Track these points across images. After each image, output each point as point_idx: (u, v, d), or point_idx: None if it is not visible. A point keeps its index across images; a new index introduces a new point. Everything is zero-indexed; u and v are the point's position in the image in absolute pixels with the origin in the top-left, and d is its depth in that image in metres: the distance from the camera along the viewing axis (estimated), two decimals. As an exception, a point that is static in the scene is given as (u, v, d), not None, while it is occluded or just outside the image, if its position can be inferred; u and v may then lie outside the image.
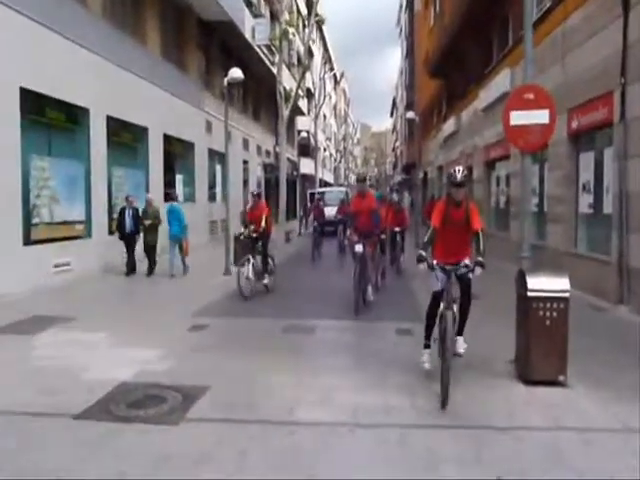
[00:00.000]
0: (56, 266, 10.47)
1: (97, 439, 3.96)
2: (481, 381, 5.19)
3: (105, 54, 12.26)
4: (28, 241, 9.83)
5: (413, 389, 4.98)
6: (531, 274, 5.14)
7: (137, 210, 11.99)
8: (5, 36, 9.04)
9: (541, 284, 4.99)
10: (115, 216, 12.50)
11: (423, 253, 4.88)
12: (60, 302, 8.93)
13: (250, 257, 9.78)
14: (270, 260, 10.51)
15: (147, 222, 11.82)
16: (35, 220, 10.17)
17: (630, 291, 8.37)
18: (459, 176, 5.05)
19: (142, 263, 12.26)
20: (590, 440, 3.91)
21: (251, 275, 9.76)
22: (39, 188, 10.31)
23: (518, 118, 6.01)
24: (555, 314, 4.92)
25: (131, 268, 11.93)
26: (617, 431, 4.08)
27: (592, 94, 9.70)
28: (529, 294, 4.97)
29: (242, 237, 9.87)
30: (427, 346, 5.40)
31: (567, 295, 4.95)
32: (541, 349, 4.90)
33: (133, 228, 11.80)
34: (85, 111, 11.65)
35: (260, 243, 10.10)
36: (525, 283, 5.04)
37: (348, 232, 9.05)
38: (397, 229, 13.09)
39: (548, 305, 4.92)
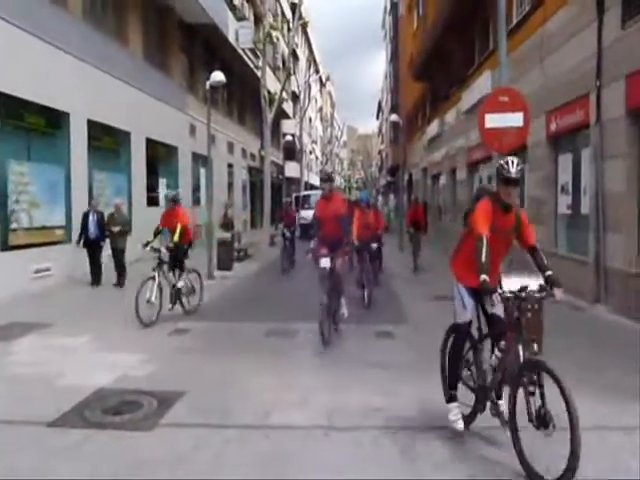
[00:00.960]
0: (36, 272, 10.37)
1: (70, 446, 3.94)
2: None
3: (86, 57, 12.18)
4: (6, 247, 9.74)
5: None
6: (506, 275, 5.19)
7: (102, 215, 11.11)
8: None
9: (515, 284, 5.03)
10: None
11: (487, 278, 3.68)
12: (40, 308, 8.85)
13: (155, 275, 7.82)
14: (189, 278, 8.72)
15: (115, 228, 11.01)
16: (13, 225, 10.07)
17: (607, 291, 8.49)
18: (513, 170, 3.70)
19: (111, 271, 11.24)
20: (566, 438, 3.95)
21: (154, 299, 7.68)
22: (18, 193, 10.21)
23: (493, 121, 6.10)
24: (529, 314, 4.96)
25: (96, 278, 11.10)
26: (592, 429, 4.13)
27: (569, 97, 9.84)
28: (504, 294, 5.00)
29: (149, 249, 8.03)
30: (454, 398, 4.15)
31: (541, 295, 4.98)
32: (515, 349, 4.94)
33: (97, 234, 10.91)
34: (65, 115, 11.57)
35: (178, 257, 8.40)
36: (500, 283, 5.07)
37: (312, 243, 7.29)
38: (374, 244, 9.95)
39: (522, 305, 4.95)
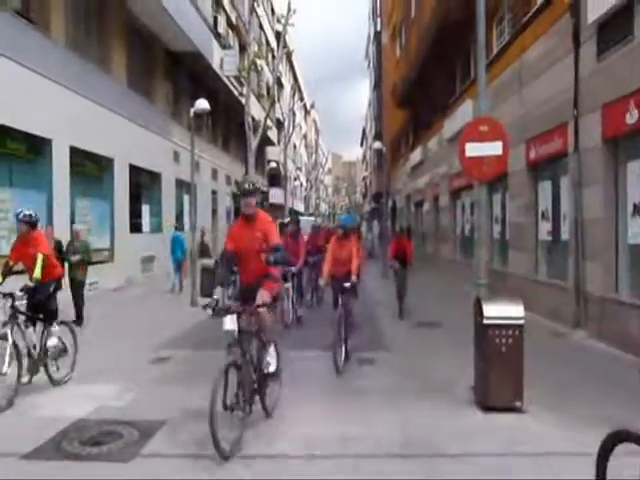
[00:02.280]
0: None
1: (44, 478, 3.83)
2: (440, 407, 5.23)
3: (69, 84, 12.21)
4: (-15, 274, 9.54)
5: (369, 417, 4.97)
6: (487, 302, 5.24)
7: (60, 243, 9.95)
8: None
9: (496, 311, 5.08)
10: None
11: None
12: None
13: (8, 332, 5.49)
14: (57, 333, 6.31)
15: (74, 258, 9.60)
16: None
17: (587, 316, 8.57)
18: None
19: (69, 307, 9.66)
20: (544, 464, 3.96)
21: (5, 368, 5.34)
22: (-2, 219, 10.09)
23: (473, 150, 6.19)
24: (510, 341, 5.00)
25: None
26: (572, 455, 4.13)
27: (548, 125, 10.08)
28: (485, 321, 5.05)
29: None
30: None
31: (521, 322, 5.04)
32: (497, 375, 4.96)
33: None
34: (47, 142, 11.53)
35: (42, 302, 6.11)
36: (481, 310, 5.13)
37: (216, 292, 4.98)
38: (346, 284, 7.05)
39: (503, 332, 5.01)
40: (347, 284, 6.96)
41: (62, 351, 6.39)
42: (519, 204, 11.76)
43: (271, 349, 5.13)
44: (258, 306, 4.74)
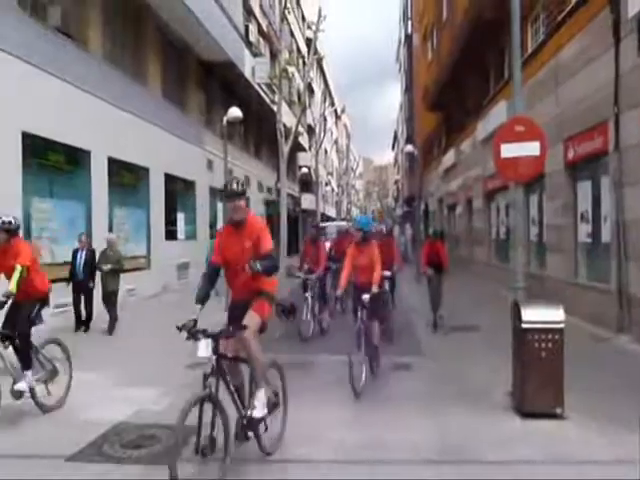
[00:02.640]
0: (56, 307, 10.47)
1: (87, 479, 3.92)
2: (477, 413, 5.14)
3: (106, 96, 12.55)
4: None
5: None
6: (525, 305, 5.13)
7: (93, 253, 9.98)
8: (6, 82, 9.30)
9: (535, 315, 4.97)
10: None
11: None
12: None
13: None
14: (45, 353, 5.69)
15: (106, 267, 9.70)
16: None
17: (630, 320, 8.29)
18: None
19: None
20: (587, 474, 3.84)
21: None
22: (40, 229, 10.42)
23: (509, 151, 6.08)
24: (550, 345, 4.88)
25: (82, 322, 9.86)
26: (615, 464, 4.00)
27: (587, 124, 9.84)
28: (523, 326, 4.94)
29: None
30: None
31: (562, 326, 4.92)
32: (537, 381, 4.85)
33: (85, 275, 9.70)
34: (86, 153, 11.86)
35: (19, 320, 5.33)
36: (519, 314, 5.02)
37: (196, 309, 4.11)
38: (365, 295, 6.13)
39: (543, 336, 4.89)
40: (366, 296, 5.98)
41: (52, 373, 5.72)
42: (557, 205, 11.49)
43: (259, 393, 4.18)
44: (240, 328, 3.91)
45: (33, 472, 4.08)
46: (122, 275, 10.63)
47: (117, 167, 13.29)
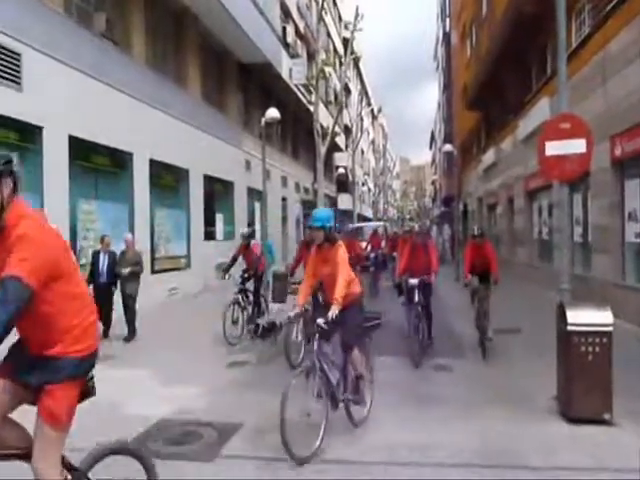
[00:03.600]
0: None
1: (128, 476, 3.99)
2: (520, 417, 5.01)
3: (148, 99, 12.84)
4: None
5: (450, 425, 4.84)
6: (571, 307, 4.97)
7: (114, 255, 9.42)
8: (55, 87, 9.62)
9: (582, 318, 4.81)
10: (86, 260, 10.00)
11: None
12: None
13: None
14: None
15: (125, 270, 9.19)
16: (82, 261, 10.55)
17: (683, 323, 7.95)
18: None
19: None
20: (638, 483, 3.69)
21: None
22: (86, 230, 10.74)
23: (553, 149, 5.92)
24: (597, 349, 4.72)
25: (104, 329, 9.16)
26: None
27: (636, 120, 9.48)
28: (569, 328, 4.79)
29: None
30: None
31: (610, 329, 4.74)
32: (583, 385, 4.69)
33: (109, 278, 9.23)
34: (129, 155, 12.17)
35: None
36: (565, 317, 4.88)
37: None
38: (320, 319, 4.48)
39: (590, 340, 4.73)
40: (320, 320, 4.39)
41: None
42: (603, 204, 11.12)
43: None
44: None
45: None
46: (164, 275, 10.81)
47: (158, 168, 13.58)
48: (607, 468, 3.93)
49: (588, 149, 5.81)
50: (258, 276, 9.79)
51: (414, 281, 7.52)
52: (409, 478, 3.89)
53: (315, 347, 4.50)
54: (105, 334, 9.17)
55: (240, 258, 9.93)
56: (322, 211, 5.08)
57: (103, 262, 9.30)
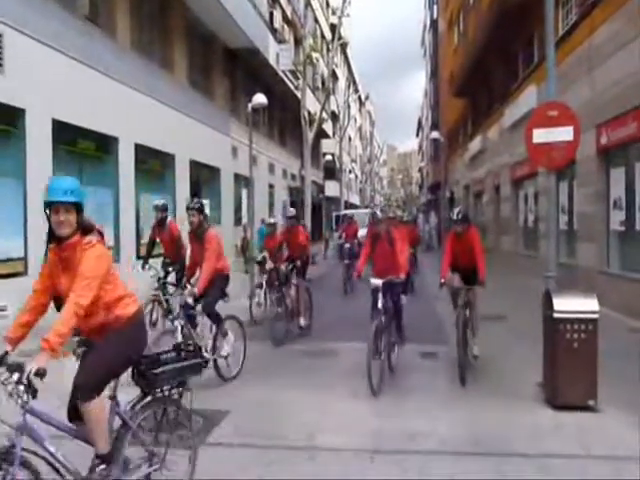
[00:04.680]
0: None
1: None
2: (506, 404, 5.06)
3: (133, 84, 12.62)
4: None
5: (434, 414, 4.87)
6: (557, 294, 5.01)
7: None
8: (38, 70, 9.40)
9: (568, 305, 4.85)
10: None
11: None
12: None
13: None
14: None
15: None
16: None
17: (666, 311, 8.07)
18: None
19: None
20: (620, 468, 3.74)
21: None
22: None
23: (541, 136, 5.93)
24: (583, 336, 4.77)
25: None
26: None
27: (621, 109, 9.54)
28: (555, 315, 4.83)
29: None
30: None
31: (596, 316, 4.79)
32: (569, 372, 4.74)
33: None
34: (114, 140, 11.98)
35: None
36: (551, 304, 4.91)
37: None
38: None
39: (576, 327, 4.78)
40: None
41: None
42: (588, 192, 11.21)
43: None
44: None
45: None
46: (150, 260, 10.65)
47: (144, 153, 13.38)
48: (593, 455, 3.98)
49: (575, 137, 5.83)
50: (181, 265, 7.83)
51: (376, 282, 5.75)
52: (393, 468, 3.90)
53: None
54: None
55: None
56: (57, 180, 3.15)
57: None
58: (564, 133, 5.80)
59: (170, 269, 7.99)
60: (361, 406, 5.15)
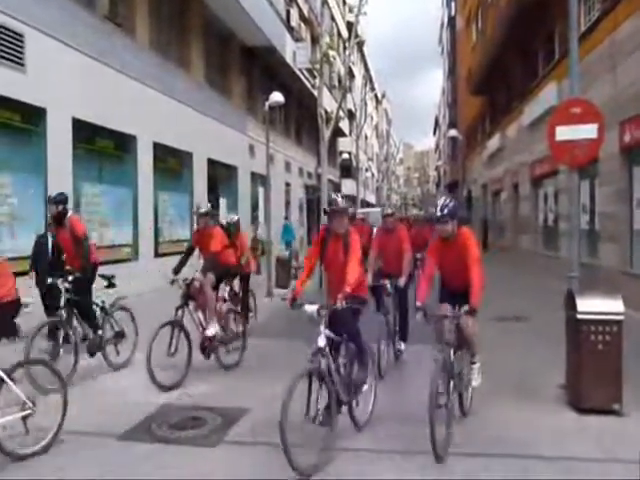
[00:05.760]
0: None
1: (135, 460, 3.99)
2: (528, 406, 4.97)
3: (152, 83, 12.71)
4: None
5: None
6: (581, 295, 4.91)
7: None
8: (59, 69, 9.51)
9: (592, 306, 4.75)
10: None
11: None
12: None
13: None
14: None
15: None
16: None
17: (691, 312, 7.89)
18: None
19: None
20: (648, 474, 3.65)
21: None
22: (89, 213, 10.69)
23: (564, 133, 5.82)
24: (608, 338, 4.66)
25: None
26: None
27: (646, 106, 9.35)
28: (579, 317, 4.73)
29: None
30: None
31: (621, 318, 4.68)
32: (593, 375, 4.64)
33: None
34: (133, 138, 12.07)
35: None
36: (574, 305, 4.81)
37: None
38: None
39: (600, 328, 4.68)
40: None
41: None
42: (610, 191, 11.01)
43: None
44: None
45: (90, 448, 4.18)
46: (169, 258, 10.76)
47: (162, 152, 13.49)
48: (617, 459, 3.89)
49: (599, 134, 5.71)
50: (83, 278, 5.88)
51: (310, 308, 4.21)
52: (415, 465, 3.85)
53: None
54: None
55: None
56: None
57: (51, 249, 7.07)
58: (588, 130, 5.69)
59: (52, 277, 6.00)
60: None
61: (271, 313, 10.00)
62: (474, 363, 4.82)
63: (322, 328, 4.08)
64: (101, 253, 10.90)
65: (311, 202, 30.65)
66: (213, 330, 6.25)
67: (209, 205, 7.73)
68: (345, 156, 38.70)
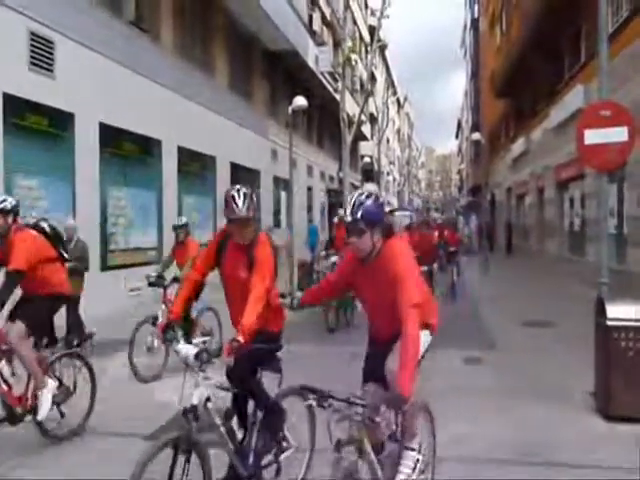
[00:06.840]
0: (131, 290, 10.91)
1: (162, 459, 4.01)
2: (555, 412, 4.89)
3: (175, 87, 12.86)
4: (105, 267, 10.33)
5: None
6: (611, 302, 4.81)
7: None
8: (86, 75, 9.69)
9: (622, 312, 4.66)
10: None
11: None
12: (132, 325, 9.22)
13: None
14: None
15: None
16: (112, 247, 10.68)
17: None
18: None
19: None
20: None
21: None
22: (115, 217, 10.86)
23: (593, 137, 5.72)
24: (639, 345, 4.56)
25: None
26: None
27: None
28: (609, 323, 4.64)
29: None
30: None
31: (653, 325, 4.58)
32: (623, 382, 4.54)
33: None
34: (157, 142, 12.23)
35: None
36: (604, 311, 4.72)
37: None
38: None
39: (631, 335, 4.58)
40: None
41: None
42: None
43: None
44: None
45: (116, 447, 4.23)
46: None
47: (186, 156, 13.63)
48: (648, 468, 3.80)
49: (631, 137, 5.60)
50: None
51: (186, 351, 2.95)
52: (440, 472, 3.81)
53: None
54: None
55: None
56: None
57: None
58: (618, 133, 5.59)
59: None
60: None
61: (294, 316, 9.99)
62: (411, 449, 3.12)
63: (200, 378, 2.94)
64: (127, 256, 11.10)
65: (333, 206, 30.65)
66: None
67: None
68: (367, 160, 38.64)
